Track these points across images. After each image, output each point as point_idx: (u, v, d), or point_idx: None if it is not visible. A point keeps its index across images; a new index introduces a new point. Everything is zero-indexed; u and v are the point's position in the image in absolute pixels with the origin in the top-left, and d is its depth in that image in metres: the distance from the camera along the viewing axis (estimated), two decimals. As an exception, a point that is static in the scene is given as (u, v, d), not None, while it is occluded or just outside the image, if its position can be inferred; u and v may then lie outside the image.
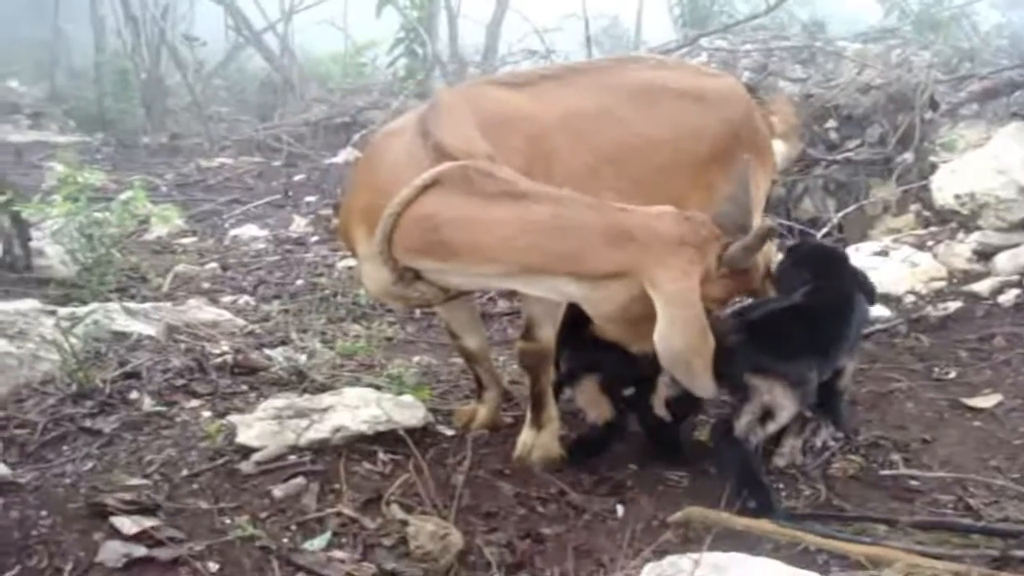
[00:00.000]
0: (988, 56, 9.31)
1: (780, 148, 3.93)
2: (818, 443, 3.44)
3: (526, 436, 3.34)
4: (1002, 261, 5.29)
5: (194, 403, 3.64)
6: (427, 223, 2.84)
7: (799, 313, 3.27)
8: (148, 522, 2.72)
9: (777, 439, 3.31)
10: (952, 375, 4.21)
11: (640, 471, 3.32)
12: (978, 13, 11.92)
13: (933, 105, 6.56)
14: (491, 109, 3.17)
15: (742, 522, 2.81)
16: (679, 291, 2.68)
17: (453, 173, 2.82)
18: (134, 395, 3.59)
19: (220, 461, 3.14)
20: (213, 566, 2.63)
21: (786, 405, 3.11)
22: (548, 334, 3.22)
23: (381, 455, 3.20)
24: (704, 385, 2.80)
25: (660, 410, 3.34)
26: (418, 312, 4.90)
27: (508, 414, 3.70)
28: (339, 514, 2.90)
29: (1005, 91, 7.13)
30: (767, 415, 3.09)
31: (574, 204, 2.79)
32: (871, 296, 3.58)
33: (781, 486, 3.23)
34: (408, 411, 3.38)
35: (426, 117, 3.06)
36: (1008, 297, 4.93)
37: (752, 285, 3.13)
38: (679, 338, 2.69)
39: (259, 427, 3.21)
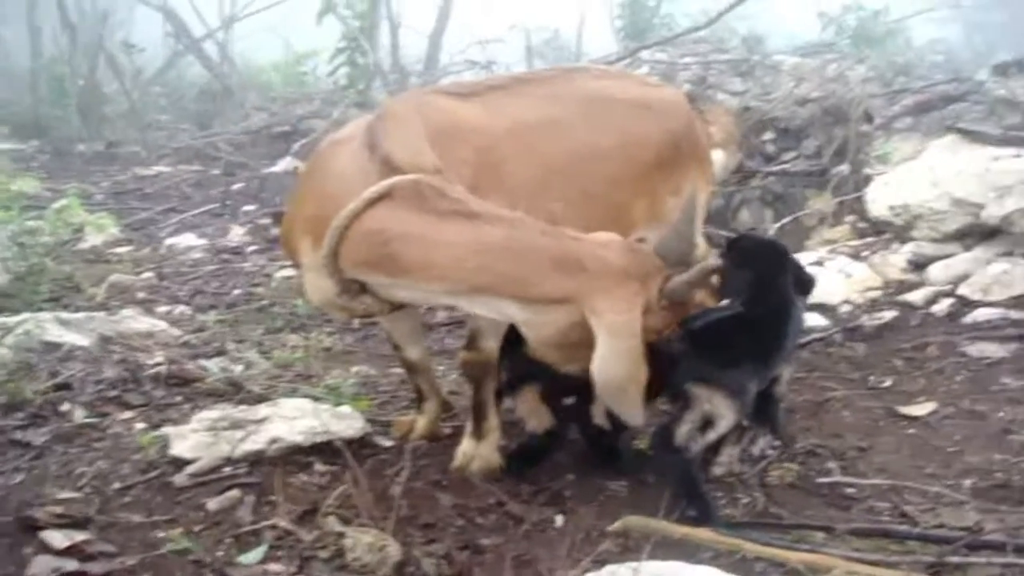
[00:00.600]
0: (923, 71, 9.51)
1: (719, 157, 3.96)
2: (756, 451, 3.46)
3: (466, 446, 3.32)
4: (936, 271, 5.37)
5: (127, 415, 3.60)
6: (376, 238, 2.83)
7: (740, 322, 3.28)
8: (79, 536, 2.68)
9: (716, 448, 3.31)
10: (887, 383, 4.25)
11: (580, 480, 3.31)
12: (913, 28, 12.16)
13: (868, 118, 6.66)
14: (439, 120, 3.14)
15: (681, 531, 2.81)
16: (621, 322, 2.71)
17: (404, 187, 2.81)
18: (66, 407, 3.54)
19: (153, 474, 3.10)
20: (146, 580, 2.58)
21: (726, 414, 3.12)
22: (492, 345, 3.20)
23: (318, 466, 3.18)
24: (635, 413, 2.85)
25: (600, 419, 3.34)
26: (357, 322, 4.86)
27: (447, 424, 3.67)
28: (275, 527, 2.85)
29: (939, 105, 7.28)
30: (707, 424, 3.10)
31: (526, 228, 2.80)
32: (808, 286, 3.59)
33: (719, 494, 3.22)
34: (346, 422, 3.35)
35: (374, 128, 3.03)
36: (941, 307, 5.01)
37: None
38: (617, 368, 2.72)
39: (193, 439, 3.18)
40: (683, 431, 3.07)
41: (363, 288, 2.98)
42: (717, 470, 3.33)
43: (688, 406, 3.09)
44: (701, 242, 3.85)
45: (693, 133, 3.75)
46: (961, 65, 10.27)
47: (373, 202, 2.81)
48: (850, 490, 3.27)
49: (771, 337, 3.33)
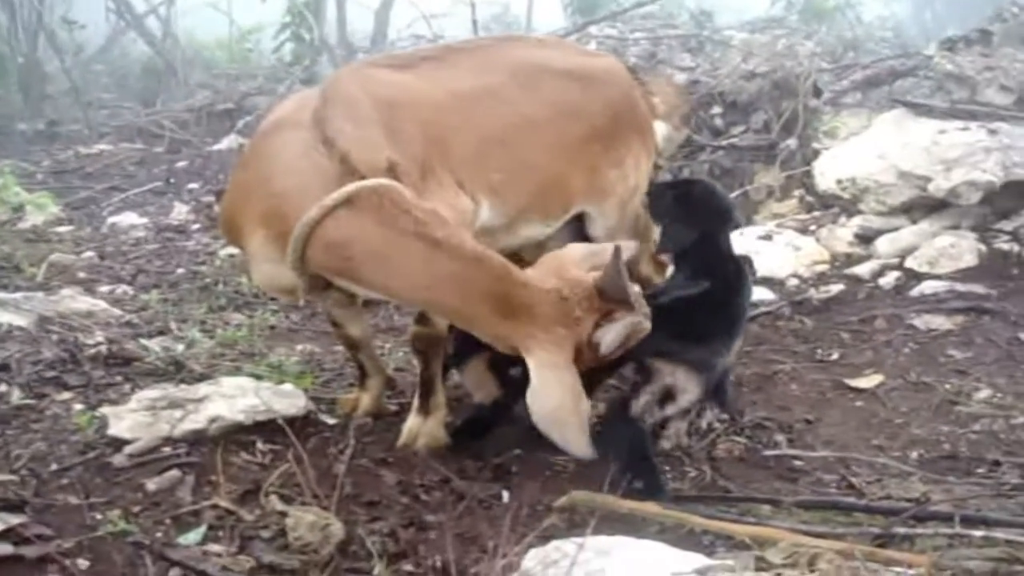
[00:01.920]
0: (871, 46, 9.55)
1: (662, 129, 3.90)
2: (703, 425, 3.46)
3: (412, 423, 3.27)
4: (883, 244, 5.41)
5: (65, 395, 3.50)
6: (339, 249, 2.80)
7: (705, 298, 3.27)
8: (15, 519, 2.58)
9: (663, 422, 3.30)
10: (835, 356, 4.27)
11: (525, 456, 3.27)
12: (862, 4, 12.23)
13: (816, 92, 6.68)
14: (384, 95, 3.06)
15: (627, 505, 2.78)
16: (547, 358, 2.76)
17: (366, 196, 2.76)
18: (2, 388, 3.45)
19: (91, 455, 3.01)
20: (83, 563, 2.50)
21: (690, 389, 3.16)
22: (443, 320, 3.16)
23: (260, 445, 3.11)
24: (578, 447, 2.81)
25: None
26: (302, 302, 4.79)
27: (392, 402, 3.63)
28: (215, 507, 2.79)
29: (887, 79, 7.33)
30: (667, 397, 3.14)
31: (481, 269, 2.79)
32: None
33: (667, 468, 3.21)
34: (288, 400, 3.29)
35: (324, 116, 2.92)
36: (888, 280, 5.05)
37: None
38: (546, 401, 2.74)
39: (132, 419, 3.10)
40: (641, 402, 3.09)
41: (329, 283, 2.96)
42: (665, 443, 3.32)
43: (649, 379, 3.08)
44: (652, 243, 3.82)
45: (633, 104, 3.70)
46: (909, 41, 10.35)
47: (331, 211, 2.77)
48: (798, 463, 3.29)
49: (733, 310, 3.33)
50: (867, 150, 5.81)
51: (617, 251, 2.70)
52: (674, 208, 3.51)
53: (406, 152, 2.93)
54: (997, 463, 3.25)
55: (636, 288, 2.84)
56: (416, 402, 3.28)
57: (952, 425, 3.55)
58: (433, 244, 2.75)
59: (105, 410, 3.21)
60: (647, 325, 2.84)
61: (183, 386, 3.40)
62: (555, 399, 2.74)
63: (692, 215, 3.45)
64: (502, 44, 3.66)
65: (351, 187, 2.76)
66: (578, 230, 3.64)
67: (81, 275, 5.43)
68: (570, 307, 2.79)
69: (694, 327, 3.21)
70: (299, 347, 4.29)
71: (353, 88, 3.07)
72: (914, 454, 3.35)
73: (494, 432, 3.35)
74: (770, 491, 3.07)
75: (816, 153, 6.34)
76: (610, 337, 2.79)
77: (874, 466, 3.22)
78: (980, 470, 3.23)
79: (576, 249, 3.06)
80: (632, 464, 3.01)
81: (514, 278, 2.81)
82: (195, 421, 3.10)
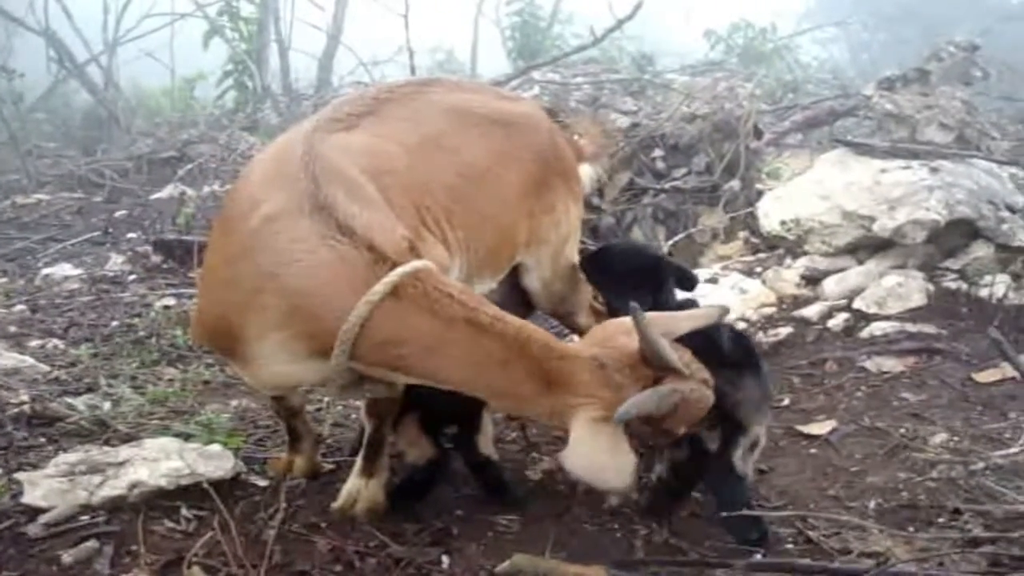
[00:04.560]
0: (811, 87, 9.63)
1: (588, 171, 3.83)
2: (653, 478, 3.34)
3: (353, 485, 3.11)
4: (829, 285, 5.37)
5: (-15, 458, 3.34)
6: (392, 346, 2.63)
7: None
8: (-78, 597, 2.44)
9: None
10: (786, 402, 4.21)
11: (467, 517, 3.13)
12: (800, 47, 12.40)
13: (757, 134, 6.68)
14: (367, 165, 2.88)
15: (572, 569, 2.68)
16: (585, 419, 2.59)
17: (409, 284, 2.60)
18: (-82, 452, 3.29)
19: (5, 524, 2.85)
20: (-7, 643, 2.36)
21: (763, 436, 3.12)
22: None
23: (184, 512, 2.95)
24: (618, 491, 2.88)
25: (486, 449, 3.19)
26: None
27: (328, 460, 3.49)
28: (135, 579, 2.64)
29: (828, 120, 7.36)
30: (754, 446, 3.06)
31: (526, 346, 2.64)
32: (692, 282, 3.59)
33: (616, 527, 3.11)
34: (215, 462, 3.13)
35: (327, 200, 2.67)
36: (837, 321, 4.99)
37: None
38: (577, 460, 2.56)
39: (47, 485, 2.93)
40: (739, 454, 3.01)
41: (362, 376, 2.78)
42: (613, 500, 3.20)
43: (743, 431, 3.01)
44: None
45: (557, 147, 3.58)
46: (848, 82, 10.45)
47: (379, 304, 2.59)
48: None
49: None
50: (810, 191, 5.79)
51: (637, 314, 2.57)
52: (603, 279, 3.45)
53: (407, 223, 2.79)
54: (958, 511, 3.15)
55: (687, 355, 2.69)
56: (359, 463, 3.13)
57: (909, 472, 3.46)
58: (481, 329, 2.61)
59: (21, 476, 3.05)
60: (707, 393, 2.71)
61: (105, 448, 3.26)
62: (587, 457, 2.58)
63: (621, 281, 3.38)
64: (423, 89, 3.50)
65: (393, 277, 2.58)
66: (511, 283, 3.54)
67: (11, 329, 5.26)
68: (609, 375, 2.63)
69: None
70: (233, 403, 4.15)
71: (340, 162, 2.84)
72: (872, 504, 3.25)
73: (433, 493, 3.21)
74: (725, 549, 2.95)
75: (759, 194, 6.32)
76: (641, 400, 2.58)
77: (832, 519, 3.10)
78: (941, 519, 3.13)
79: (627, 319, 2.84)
80: (742, 518, 2.94)
81: (554, 350, 2.67)
82: (115, 487, 2.94)
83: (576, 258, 3.63)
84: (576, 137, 3.82)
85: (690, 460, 3.04)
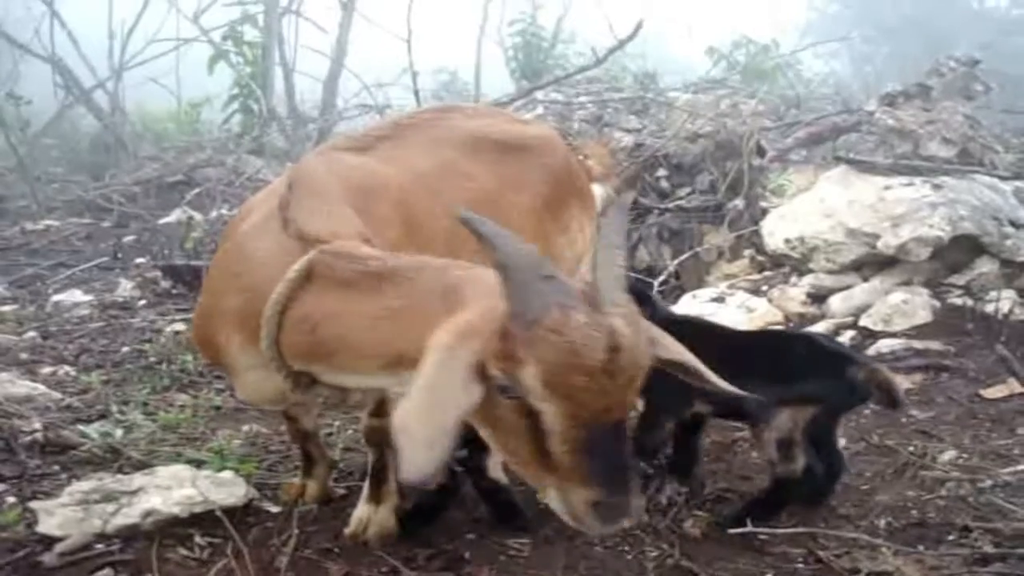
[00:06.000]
0: (814, 103, 9.64)
1: (599, 191, 3.91)
2: (663, 500, 3.36)
3: (362, 511, 3.14)
4: (835, 303, 5.39)
5: (-1, 487, 3.36)
6: (304, 325, 2.52)
7: None
8: (-62, 626, 2.47)
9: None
10: (794, 420, 4.20)
11: (479, 541, 3.15)
12: (802, 63, 12.41)
13: (760, 151, 6.70)
14: (358, 178, 2.92)
15: (584, 592, 2.69)
16: (444, 343, 2.16)
17: (320, 263, 2.52)
18: (-67, 480, 3.31)
19: (21, 553, 2.88)
20: (10, 673, 2.39)
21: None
22: None
23: (198, 539, 2.98)
24: (409, 466, 2.06)
25: (496, 472, 3.21)
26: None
27: (339, 485, 3.51)
28: (150, 607, 2.67)
29: (831, 136, 7.36)
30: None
31: (422, 274, 2.41)
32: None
33: (627, 548, 3.11)
34: (227, 489, 3.16)
35: (286, 201, 2.73)
36: (844, 339, 5.00)
37: None
38: (407, 401, 2.14)
39: (62, 514, 2.96)
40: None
41: (314, 380, 2.65)
42: (624, 522, 3.20)
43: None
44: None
45: (571, 168, 3.69)
46: (850, 96, 10.46)
47: (296, 285, 2.53)
48: (762, 537, 3.15)
49: None
50: (814, 209, 5.82)
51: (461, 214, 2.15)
52: None
53: (382, 235, 2.74)
54: (968, 529, 3.15)
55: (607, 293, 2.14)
56: (367, 490, 3.16)
57: (918, 490, 3.48)
58: (377, 277, 2.43)
59: (35, 505, 3.08)
60: (596, 337, 2.04)
61: (118, 476, 3.28)
62: (418, 399, 2.10)
63: None
64: (443, 116, 3.59)
65: (306, 257, 2.53)
66: None
67: (23, 356, 5.29)
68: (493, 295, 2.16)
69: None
70: (244, 428, 4.17)
71: (319, 172, 2.91)
72: (882, 522, 3.26)
73: (444, 516, 3.23)
74: (736, 571, 2.96)
75: (764, 212, 6.35)
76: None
77: (842, 538, 3.11)
78: (950, 537, 3.14)
79: None
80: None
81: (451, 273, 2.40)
82: (128, 515, 2.97)
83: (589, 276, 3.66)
84: (584, 158, 3.87)
85: None
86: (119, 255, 8.02)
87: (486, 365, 2.10)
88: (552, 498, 2.14)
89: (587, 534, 3.10)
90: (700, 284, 6.05)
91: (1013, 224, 5.59)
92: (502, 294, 2.07)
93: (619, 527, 2.19)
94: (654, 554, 3.09)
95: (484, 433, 2.26)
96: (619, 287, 2.14)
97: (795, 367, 3.19)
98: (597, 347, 2.02)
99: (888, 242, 5.35)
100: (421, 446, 2.07)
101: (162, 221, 8.85)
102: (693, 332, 3.40)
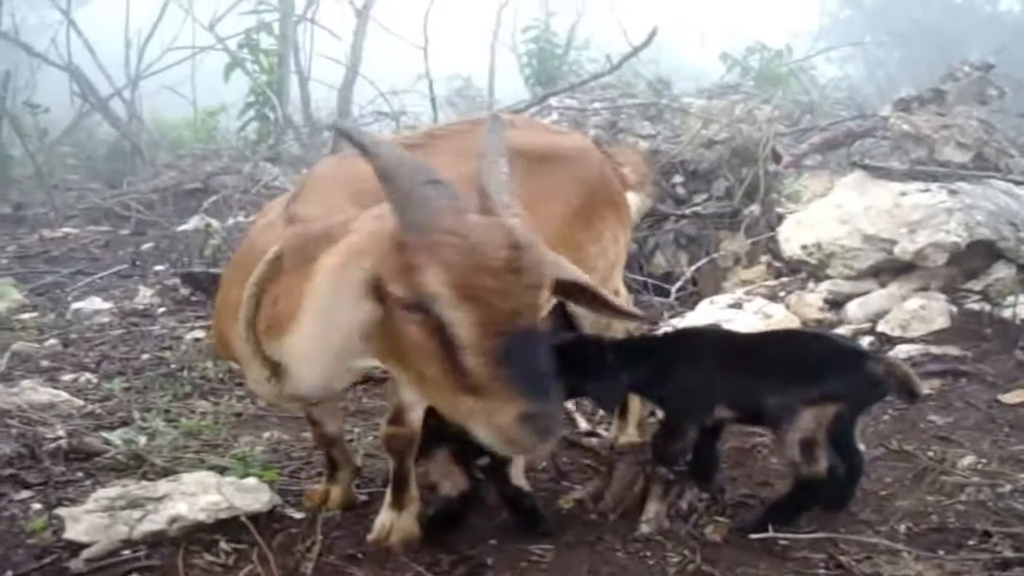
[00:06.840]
0: (828, 108, 9.63)
1: (634, 200, 3.92)
2: (684, 506, 3.37)
3: (385, 517, 3.16)
4: (853, 309, 5.40)
5: (24, 494, 3.41)
6: (273, 304, 2.51)
7: None
8: (-33, 631, 2.50)
9: (641, 505, 3.23)
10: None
11: (501, 547, 3.16)
12: (816, 68, 12.39)
13: (776, 157, 6.71)
14: (372, 183, 2.94)
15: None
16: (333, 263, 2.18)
17: (290, 244, 2.48)
18: (-41, 487, 3.35)
19: (48, 560, 2.92)
20: None
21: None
22: (416, 418, 3.03)
23: (223, 545, 3.01)
24: (295, 381, 2.25)
25: (518, 479, 3.23)
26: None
27: (362, 491, 3.53)
28: (177, 612, 2.70)
29: (846, 141, 7.36)
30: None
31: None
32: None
33: (648, 554, 3.11)
34: (251, 495, 3.19)
35: (293, 199, 2.78)
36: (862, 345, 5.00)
37: None
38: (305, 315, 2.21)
39: (88, 520, 3.00)
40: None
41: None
42: (645, 528, 3.22)
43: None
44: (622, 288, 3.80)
45: (605, 177, 3.70)
46: (865, 101, 10.46)
47: (273, 267, 2.51)
48: (783, 542, 3.15)
49: None
50: (830, 215, 5.83)
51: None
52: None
53: None
54: (988, 534, 3.16)
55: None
56: (389, 497, 3.18)
57: (938, 495, 3.48)
58: (314, 243, 2.33)
59: (61, 511, 3.11)
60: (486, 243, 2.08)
61: (143, 483, 3.31)
62: (309, 320, 2.14)
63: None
64: (477, 127, 3.59)
65: (285, 237, 2.51)
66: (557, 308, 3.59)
67: (44, 364, 5.33)
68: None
69: None
70: (266, 434, 4.20)
71: (331, 174, 2.96)
72: (902, 528, 3.26)
73: (467, 523, 3.25)
74: (756, 576, 2.97)
75: (780, 218, 6.36)
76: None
77: (862, 543, 3.11)
78: (971, 542, 3.14)
79: None
80: None
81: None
82: (154, 522, 3.00)
83: (621, 285, 3.68)
84: (619, 166, 3.89)
85: None
86: (137, 263, 8.07)
87: (384, 284, 2.09)
88: (478, 425, 2.11)
89: (607, 540, 3.13)
90: (717, 290, 6.06)
91: (1029, 229, 5.60)
92: (390, 206, 2.08)
93: (551, 442, 2.16)
94: (675, 560, 3.09)
95: (396, 368, 2.25)
96: (506, 191, 2.20)
97: (813, 366, 3.20)
98: (497, 244, 2.05)
99: (905, 248, 5.36)
100: (307, 363, 2.16)
101: (180, 228, 8.88)
102: (704, 342, 3.45)
